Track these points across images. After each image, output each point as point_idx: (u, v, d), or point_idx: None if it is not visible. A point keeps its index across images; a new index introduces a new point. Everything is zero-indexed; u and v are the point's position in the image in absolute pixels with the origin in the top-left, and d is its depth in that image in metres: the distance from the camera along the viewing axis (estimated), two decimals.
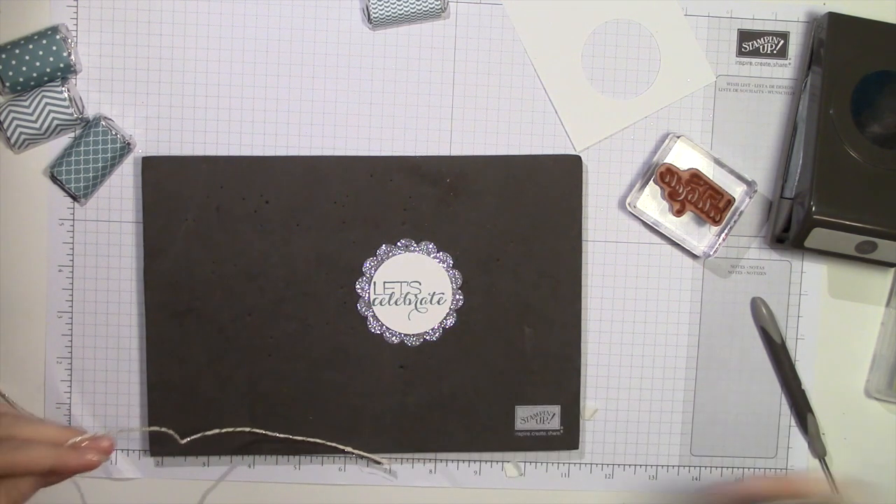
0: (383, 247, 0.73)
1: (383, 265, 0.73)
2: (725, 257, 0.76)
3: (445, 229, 0.73)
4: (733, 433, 0.76)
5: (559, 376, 0.74)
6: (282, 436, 0.72)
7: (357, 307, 0.73)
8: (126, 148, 0.72)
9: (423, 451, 0.75)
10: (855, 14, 0.72)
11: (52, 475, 0.61)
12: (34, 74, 0.70)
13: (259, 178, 0.72)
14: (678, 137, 0.74)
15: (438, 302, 0.73)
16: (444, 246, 0.73)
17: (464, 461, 0.76)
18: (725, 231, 0.74)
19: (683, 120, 0.75)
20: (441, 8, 0.72)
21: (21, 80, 0.70)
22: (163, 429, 0.70)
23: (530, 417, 0.74)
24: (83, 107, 0.72)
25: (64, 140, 0.72)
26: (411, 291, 0.73)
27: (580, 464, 0.76)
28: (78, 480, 0.74)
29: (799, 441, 0.77)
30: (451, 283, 0.73)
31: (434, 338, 0.73)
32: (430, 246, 0.73)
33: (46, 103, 0.70)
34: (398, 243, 0.73)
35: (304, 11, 0.73)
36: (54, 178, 0.72)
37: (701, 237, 0.75)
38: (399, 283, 0.73)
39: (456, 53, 0.74)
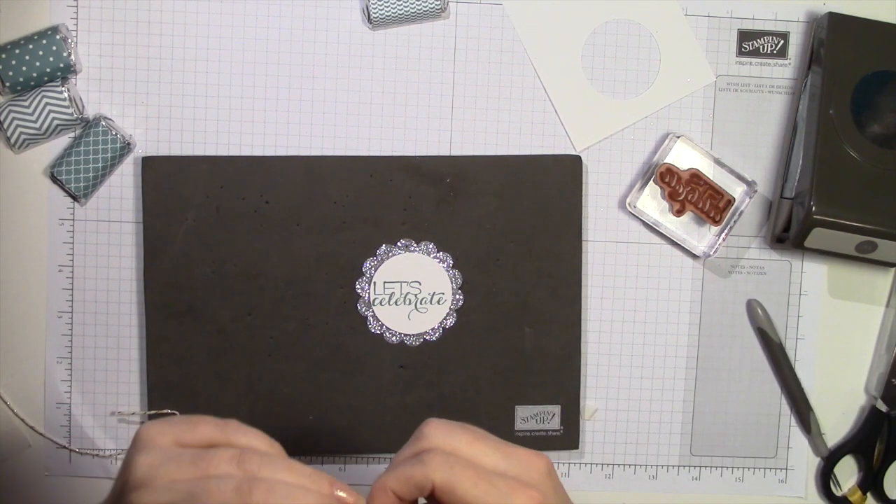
0: (383, 247, 0.73)
1: (383, 265, 0.73)
2: (725, 257, 0.76)
3: (445, 229, 0.73)
4: (733, 433, 0.76)
5: (559, 376, 0.74)
6: None
7: (357, 307, 0.73)
8: (126, 148, 0.72)
9: None
10: (855, 14, 0.72)
11: None
12: (34, 74, 0.70)
13: (259, 178, 0.72)
14: (678, 137, 0.74)
15: (438, 302, 0.73)
16: (444, 246, 0.73)
17: None
18: (725, 231, 0.74)
19: (683, 120, 0.75)
20: (441, 8, 0.72)
21: (21, 80, 0.70)
22: (165, 411, 0.70)
23: (530, 417, 0.74)
24: (83, 107, 0.72)
25: (64, 140, 0.73)
26: (411, 291, 0.73)
27: (580, 464, 0.76)
28: (77, 481, 0.74)
29: (799, 441, 0.77)
30: (451, 283, 0.73)
31: (434, 338, 0.73)
32: (430, 246, 0.73)
33: (46, 103, 0.70)
34: (398, 243, 0.73)
35: (304, 11, 0.73)
36: (54, 178, 0.72)
37: (701, 237, 0.75)
38: (399, 283, 0.73)
39: (456, 53, 0.74)
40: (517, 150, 0.75)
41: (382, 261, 0.73)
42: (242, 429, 0.50)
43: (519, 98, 0.75)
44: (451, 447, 0.50)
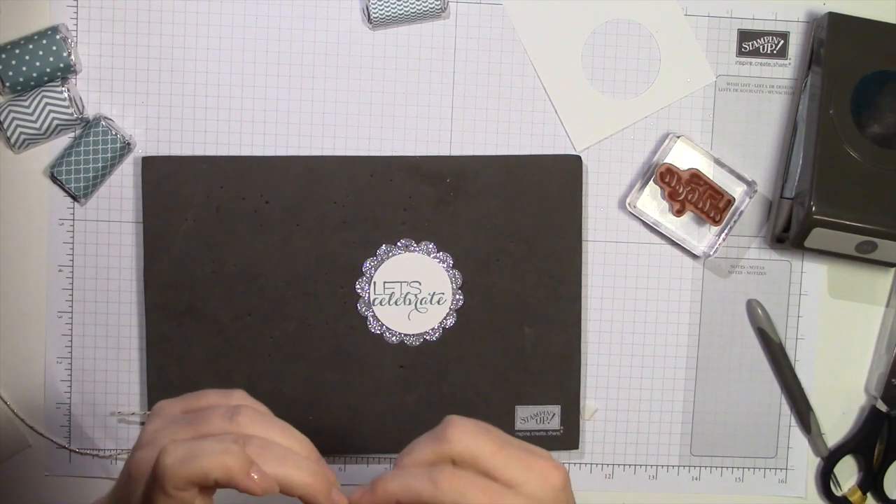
0: (383, 247, 0.73)
1: (383, 265, 0.73)
2: (725, 257, 0.76)
3: (445, 229, 0.73)
4: (733, 433, 0.76)
5: (559, 376, 0.74)
6: None
7: (357, 307, 0.73)
8: (126, 148, 0.72)
9: None
10: (855, 14, 0.72)
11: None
12: (34, 74, 0.70)
13: (259, 178, 0.72)
14: (678, 137, 0.74)
15: (438, 302, 0.73)
16: (444, 246, 0.73)
17: None
18: (725, 231, 0.74)
19: (683, 120, 0.75)
20: (441, 8, 0.72)
21: (21, 80, 0.70)
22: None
23: (530, 417, 0.74)
24: (83, 107, 0.72)
25: (64, 140, 0.73)
26: (411, 291, 0.73)
27: (580, 464, 0.76)
28: (77, 481, 0.74)
29: (799, 441, 0.77)
30: (451, 283, 0.73)
31: (434, 338, 0.73)
32: (430, 246, 0.73)
33: (46, 103, 0.70)
34: (398, 243, 0.73)
35: (304, 11, 0.73)
36: (54, 178, 0.72)
37: (701, 237, 0.75)
38: (399, 283, 0.73)
39: (456, 53, 0.74)
40: (517, 150, 0.75)
41: (382, 261, 0.73)
42: (247, 398, 0.51)
43: (519, 98, 0.75)
44: (473, 455, 0.49)
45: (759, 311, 0.75)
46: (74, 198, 0.72)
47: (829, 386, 0.77)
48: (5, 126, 0.70)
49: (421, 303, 0.73)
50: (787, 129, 0.75)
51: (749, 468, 0.76)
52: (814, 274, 0.76)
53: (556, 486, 0.49)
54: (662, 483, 0.76)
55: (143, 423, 0.74)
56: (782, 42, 0.75)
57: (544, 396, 0.74)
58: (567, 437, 0.74)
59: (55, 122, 0.70)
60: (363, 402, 0.73)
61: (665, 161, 0.74)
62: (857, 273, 0.76)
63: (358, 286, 0.73)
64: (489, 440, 0.49)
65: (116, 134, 0.71)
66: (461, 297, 0.73)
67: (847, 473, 0.77)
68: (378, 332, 0.73)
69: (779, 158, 0.76)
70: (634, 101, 0.75)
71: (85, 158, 0.71)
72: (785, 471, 0.77)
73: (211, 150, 0.74)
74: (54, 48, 0.70)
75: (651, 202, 0.74)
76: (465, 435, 0.49)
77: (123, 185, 0.73)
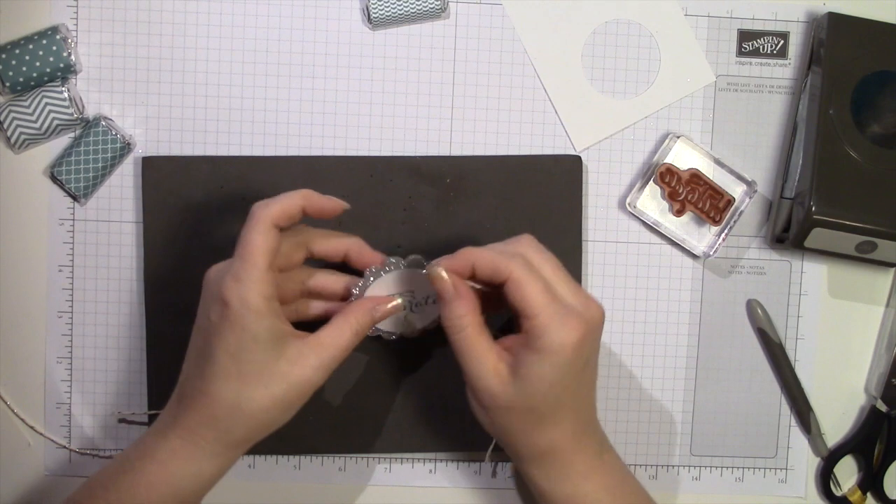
0: (372, 268, 0.73)
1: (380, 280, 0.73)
2: (725, 257, 0.76)
3: (445, 229, 0.73)
4: (733, 433, 0.76)
5: None
6: None
7: None
8: (126, 148, 0.72)
9: (423, 451, 0.75)
10: (855, 14, 0.72)
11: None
12: (34, 74, 0.70)
13: (259, 178, 0.72)
14: (678, 137, 0.74)
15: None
16: (445, 246, 0.73)
17: (464, 461, 0.76)
18: (725, 231, 0.74)
19: (683, 120, 0.75)
20: (441, 8, 0.72)
21: (21, 80, 0.70)
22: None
23: None
24: (83, 107, 0.72)
25: (64, 140, 0.73)
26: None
27: None
28: (77, 481, 0.74)
29: (799, 441, 0.77)
30: None
31: (434, 337, 0.73)
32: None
33: (46, 103, 0.70)
34: (389, 262, 0.73)
35: (304, 11, 0.73)
36: (54, 178, 0.72)
37: (701, 237, 0.75)
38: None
39: (456, 53, 0.74)
40: (517, 150, 0.75)
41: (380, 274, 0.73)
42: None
43: (519, 98, 0.75)
44: (538, 262, 0.59)
45: (759, 311, 0.75)
46: (74, 198, 0.72)
47: (829, 386, 0.77)
48: (5, 126, 0.70)
49: (421, 302, 0.73)
50: (787, 129, 0.75)
51: (749, 468, 0.76)
52: (814, 274, 0.76)
53: (598, 317, 0.59)
54: (662, 483, 0.76)
55: (148, 422, 0.74)
56: (782, 42, 0.75)
57: None
58: None
59: (55, 122, 0.70)
60: (363, 402, 0.73)
61: (665, 161, 0.74)
62: (857, 273, 0.76)
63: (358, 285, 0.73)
64: (553, 259, 0.60)
65: (116, 134, 0.71)
66: None
67: (847, 473, 0.77)
68: (377, 331, 0.73)
69: (779, 158, 0.76)
70: (634, 101, 0.75)
71: (85, 158, 0.71)
72: (785, 471, 0.77)
73: (211, 150, 0.74)
74: (54, 48, 0.70)
75: (651, 202, 0.74)
76: (532, 245, 0.60)
77: (123, 185, 0.73)
